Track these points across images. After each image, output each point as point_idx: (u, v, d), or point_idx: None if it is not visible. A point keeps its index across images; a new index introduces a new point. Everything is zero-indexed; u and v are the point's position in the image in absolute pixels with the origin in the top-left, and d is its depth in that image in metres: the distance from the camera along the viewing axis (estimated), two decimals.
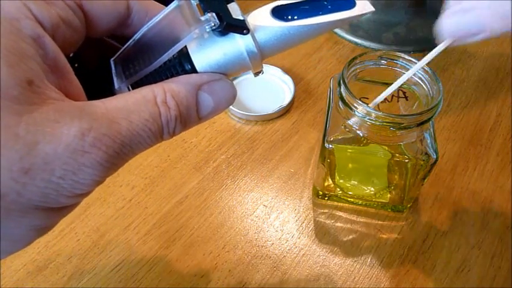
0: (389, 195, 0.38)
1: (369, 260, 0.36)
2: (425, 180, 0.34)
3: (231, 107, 0.45)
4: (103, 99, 0.16)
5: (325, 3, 0.18)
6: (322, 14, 0.18)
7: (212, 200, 0.39)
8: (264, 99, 0.48)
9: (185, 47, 0.18)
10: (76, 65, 0.17)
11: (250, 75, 0.50)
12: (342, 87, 0.30)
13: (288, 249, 0.36)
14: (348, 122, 0.32)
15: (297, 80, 0.49)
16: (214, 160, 0.42)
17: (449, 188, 0.40)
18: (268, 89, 0.49)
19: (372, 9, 0.18)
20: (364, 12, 0.18)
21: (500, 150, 0.43)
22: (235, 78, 0.50)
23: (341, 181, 0.39)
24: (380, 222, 0.38)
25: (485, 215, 0.38)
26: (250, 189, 0.40)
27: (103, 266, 0.35)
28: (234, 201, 0.39)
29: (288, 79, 0.49)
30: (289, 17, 0.18)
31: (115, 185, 0.40)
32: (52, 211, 0.15)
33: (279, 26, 0.18)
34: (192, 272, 0.35)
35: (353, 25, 0.57)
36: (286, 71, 0.49)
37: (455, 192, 0.40)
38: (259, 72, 0.20)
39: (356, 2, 0.18)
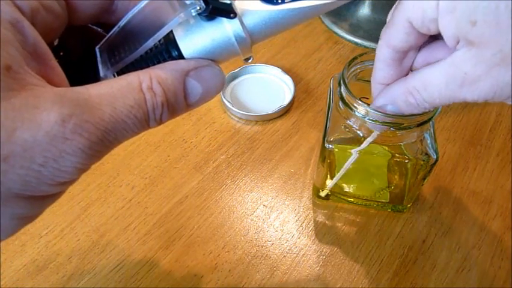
0: (389, 195, 0.38)
1: (369, 260, 0.36)
2: (425, 180, 0.34)
3: (230, 106, 0.45)
4: (87, 86, 0.16)
5: None
6: None
7: (212, 200, 0.39)
8: (264, 99, 0.48)
9: (172, 33, 0.18)
10: (61, 53, 0.17)
11: (250, 75, 0.50)
12: (342, 87, 0.30)
13: (288, 249, 0.36)
14: (348, 122, 0.32)
15: (297, 80, 0.49)
16: (214, 160, 0.42)
17: (449, 188, 0.40)
18: (268, 89, 0.49)
19: None
20: None
21: (500, 150, 0.43)
22: (235, 78, 0.50)
23: (341, 181, 0.39)
24: (380, 222, 0.38)
25: (485, 215, 0.38)
26: (250, 189, 0.40)
27: (103, 266, 0.35)
28: (234, 201, 0.39)
29: (288, 79, 0.49)
30: (278, 1, 0.18)
31: (115, 185, 0.40)
32: (35, 199, 0.15)
33: (268, 9, 0.18)
34: (192, 272, 0.35)
35: (352, 25, 0.57)
36: (286, 71, 0.49)
37: (455, 192, 0.40)
38: (249, 59, 0.19)
39: None
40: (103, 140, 0.15)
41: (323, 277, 0.35)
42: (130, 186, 0.40)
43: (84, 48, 0.20)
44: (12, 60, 0.14)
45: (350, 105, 0.30)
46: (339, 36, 0.56)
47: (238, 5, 0.18)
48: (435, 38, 0.21)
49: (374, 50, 0.33)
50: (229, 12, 0.17)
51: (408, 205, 0.38)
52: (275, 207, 0.39)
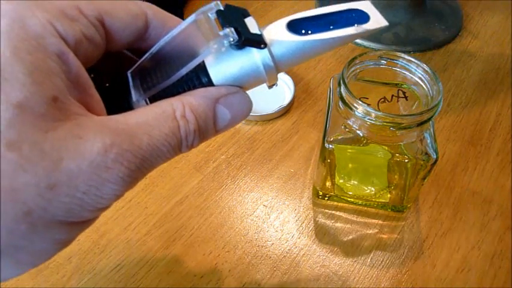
0: (389, 195, 0.38)
1: (369, 260, 0.36)
2: (425, 180, 0.34)
3: None
4: (124, 114, 0.16)
5: (339, 17, 0.19)
6: (336, 28, 0.18)
7: (212, 200, 0.39)
8: (264, 99, 0.48)
9: (203, 60, 0.18)
10: (92, 75, 0.17)
11: None
12: (342, 87, 0.30)
13: (288, 249, 0.36)
14: (348, 122, 0.32)
15: (297, 80, 0.49)
16: (214, 160, 0.42)
17: (449, 188, 0.40)
18: (268, 89, 0.49)
19: (386, 23, 0.18)
20: (378, 26, 0.18)
21: (500, 150, 0.43)
22: None
23: (341, 181, 0.39)
24: (380, 222, 0.38)
25: (485, 215, 0.38)
26: (250, 189, 0.40)
27: (103, 266, 0.35)
28: (234, 201, 0.39)
29: (288, 79, 0.49)
30: (304, 31, 0.18)
31: None
32: (75, 225, 0.16)
33: (295, 40, 0.18)
34: (192, 272, 0.35)
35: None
36: (286, 71, 0.49)
37: (455, 192, 0.40)
38: (274, 85, 0.20)
39: (370, 16, 0.18)
40: (140, 168, 0.16)
41: (323, 277, 0.35)
42: None
43: (113, 71, 0.21)
44: (58, 91, 0.15)
45: (350, 105, 0.30)
46: None
47: (266, 35, 0.18)
48: None
49: (373, 50, 0.33)
50: (260, 43, 0.18)
51: (408, 205, 0.38)
52: (275, 207, 0.39)
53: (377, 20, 0.18)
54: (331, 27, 0.18)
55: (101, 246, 0.36)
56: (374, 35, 0.55)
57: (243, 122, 0.46)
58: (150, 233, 0.37)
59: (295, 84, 0.48)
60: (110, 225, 0.37)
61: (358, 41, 0.55)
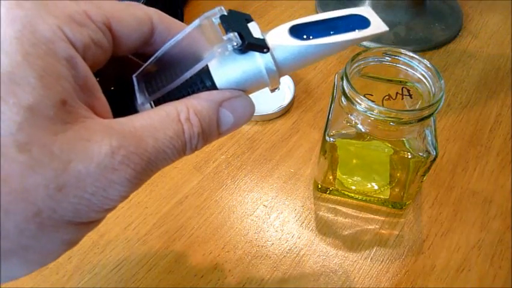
0: (389, 192, 0.38)
1: (369, 260, 0.36)
2: (425, 177, 0.34)
3: None
4: (130, 117, 0.17)
5: (340, 22, 0.19)
6: (338, 33, 0.19)
7: (212, 200, 0.39)
8: (264, 99, 0.48)
9: (206, 64, 0.19)
10: (98, 79, 0.18)
11: None
12: (345, 81, 0.31)
13: (288, 249, 0.36)
14: (350, 116, 0.32)
15: (297, 80, 0.49)
16: (214, 160, 0.42)
17: (449, 188, 0.40)
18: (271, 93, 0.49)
19: (386, 28, 0.19)
20: (378, 31, 0.19)
21: (500, 150, 0.43)
22: None
23: (344, 176, 0.39)
24: (380, 222, 0.38)
25: (485, 215, 0.38)
26: (250, 189, 0.40)
27: (103, 266, 0.35)
28: (234, 201, 0.39)
29: (288, 79, 0.49)
30: (306, 36, 0.19)
31: None
32: (82, 225, 0.16)
33: (297, 44, 0.18)
34: (192, 272, 0.35)
35: None
36: None
37: (455, 192, 0.40)
38: (276, 89, 0.20)
39: (371, 21, 0.19)
40: (146, 170, 0.16)
41: (323, 277, 0.35)
42: None
43: (118, 75, 0.21)
44: (67, 95, 0.15)
45: (352, 99, 0.30)
46: None
47: (269, 39, 0.18)
48: None
49: (374, 49, 0.33)
50: (263, 47, 0.18)
51: (408, 202, 0.38)
52: (275, 207, 0.39)
53: (377, 25, 0.19)
54: (332, 32, 0.19)
55: (101, 246, 0.36)
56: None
57: None
58: (150, 233, 0.37)
59: (295, 84, 0.48)
60: (110, 225, 0.37)
61: None
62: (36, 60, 0.14)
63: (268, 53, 0.18)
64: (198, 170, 0.42)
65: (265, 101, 0.47)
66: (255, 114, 0.45)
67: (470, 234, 0.37)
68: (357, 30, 0.19)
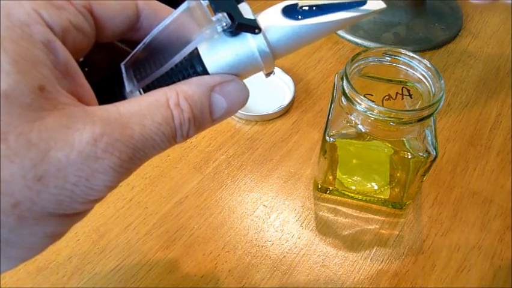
0: (389, 192, 0.38)
1: (369, 260, 0.36)
2: (425, 177, 0.34)
3: None
4: (116, 103, 0.16)
5: (336, 3, 0.18)
6: (333, 12, 0.18)
7: (212, 200, 0.39)
8: (264, 99, 0.48)
9: (196, 48, 0.18)
10: (86, 69, 0.17)
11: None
12: (345, 81, 0.31)
13: (288, 249, 0.36)
14: (350, 116, 0.32)
15: (297, 80, 0.49)
16: (214, 160, 0.42)
17: (449, 188, 0.40)
18: (268, 89, 0.49)
19: (383, 5, 0.18)
20: (375, 9, 0.18)
21: (500, 150, 0.43)
22: None
23: (344, 176, 0.39)
24: (380, 222, 0.38)
25: (485, 215, 0.38)
26: (250, 189, 0.40)
27: (103, 266, 0.35)
28: (234, 201, 0.39)
29: (288, 79, 0.49)
30: (300, 16, 0.18)
31: None
32: (66, 217, 0.15)
33: (291, 25, 0.18)
34: (192, 272, 0.35)
35: (352, 25, 0.57)
36: (286, 71, 0.49)
37: (455, 192, 0.40)
38: (271, 73, 0.19)
39: (367, 0, 0.18)
40: (133, 158, 0.15)
41: (323, 277, 0.35)
42: (130, 186, 0.40)
43: (108, 64, 0.20)
44: (45, 80, 0.14)
45: (352, 99, 0.30)
46: (339, 36, 0.56)
47: (261, 21, 0.18)
48: None
49: (374, 49, 0.33)
50: (254, 28, 0.17)
51: (408, 202, 0.38)
52: (275, 207, 0.39)
53: (373, 3, 0.18)
54: (326, 11, 0.18)
55: (101, 246, 0.36)
56: (374, 35, 0.55)
57: (243, 122, 0.46)
58: (150, 233, 0.37)
59: (295, 84, 0.48)
60: (110, 225, 0.37)
61: (358, 40, 0.55)
62: (9, 45, 0.14)
63: (261, 34, 0.17)
64: (197, 170, 0.42)
65: (265, 101, 0.47)
66: (255, 114, 0.45)
67: (470, 234, 0.37)
68: (352, 9, 0.18)
